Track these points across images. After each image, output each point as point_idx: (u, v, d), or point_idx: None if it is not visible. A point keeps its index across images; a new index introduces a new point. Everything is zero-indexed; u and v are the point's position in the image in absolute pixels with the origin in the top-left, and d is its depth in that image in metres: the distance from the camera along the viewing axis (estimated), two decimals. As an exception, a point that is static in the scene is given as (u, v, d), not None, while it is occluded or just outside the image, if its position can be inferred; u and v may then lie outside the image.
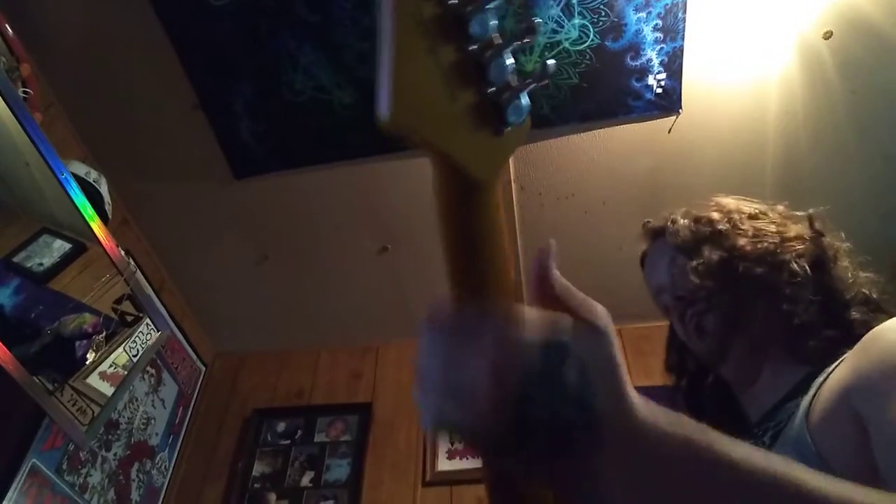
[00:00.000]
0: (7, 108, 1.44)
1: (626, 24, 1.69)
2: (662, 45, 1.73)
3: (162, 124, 1.97)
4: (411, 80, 0.35)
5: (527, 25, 0.39)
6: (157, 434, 2.21)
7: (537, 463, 0.39)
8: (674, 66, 1.76)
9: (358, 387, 2.49)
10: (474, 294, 0.43)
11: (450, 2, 0.37)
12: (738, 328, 0.87)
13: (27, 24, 1.72)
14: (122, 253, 1.82)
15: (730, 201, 0.97)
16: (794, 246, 0.87)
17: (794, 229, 0.90)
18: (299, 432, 2.37)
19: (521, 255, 2.20)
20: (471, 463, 2.18)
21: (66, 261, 1.70)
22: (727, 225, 0.91)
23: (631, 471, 0.38)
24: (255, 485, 2.25)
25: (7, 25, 1.65)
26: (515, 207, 2.11)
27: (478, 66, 0.39)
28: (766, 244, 0.87)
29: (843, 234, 0.93)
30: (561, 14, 1.68)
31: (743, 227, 0.90)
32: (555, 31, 1.71)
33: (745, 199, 0.97)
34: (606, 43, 1.72)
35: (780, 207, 0.97)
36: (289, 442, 2.35)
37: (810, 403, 0.70)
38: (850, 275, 0.87)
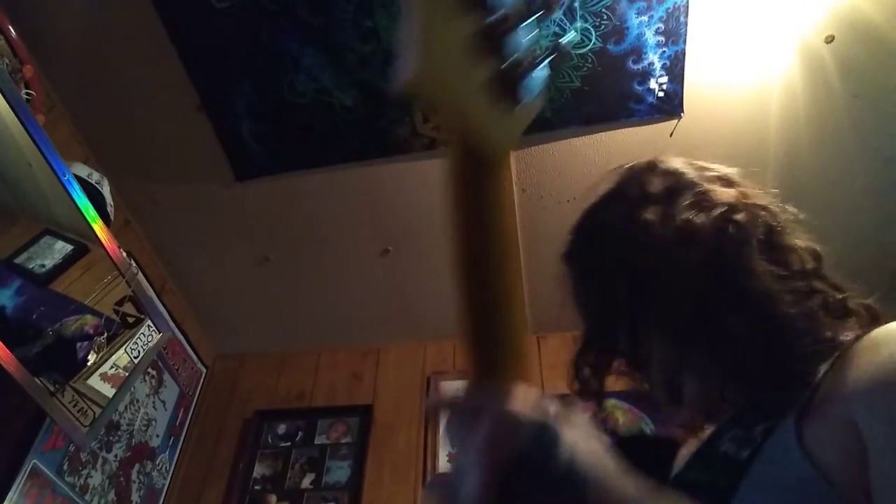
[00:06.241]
0: (10, 110, 1.44)
1: (627, 28, 1.69)
2: (664, 49, 1.73)
3: (164, 126, 1.97)
4: (437, 45, 0.36)
5: (545, 1, 0.39)
6: (157, 435, 2.21)
7: None
8: (676, 69, 1.76)
9: (358, 388, 2.49)
10: (480, 283, 0.43)
11: None
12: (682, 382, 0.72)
13: (30, 26, 1.73)
14: (124, 254, 1.82)
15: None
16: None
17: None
18: (300, 434, 2.37)
19: (523, 258, 2.20)
20: (471, 465, 2.18)
21: (67, 262, 1.70)
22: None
23: None
24: (256, 486, 2.25)
25: (10, 27, 1.66)
26: (517, 210, 2.11)
27: (494, 39, 0.38)
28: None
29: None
30: (563, 17, 1.68)
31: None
32: (556, 35, 1.71)
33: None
34: (608, 46, 1.72)
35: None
36: (289, 444, 2.35)
37: (803, 409, 0.61)
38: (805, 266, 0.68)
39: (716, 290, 0.66)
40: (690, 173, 0.75)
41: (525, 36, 0.39)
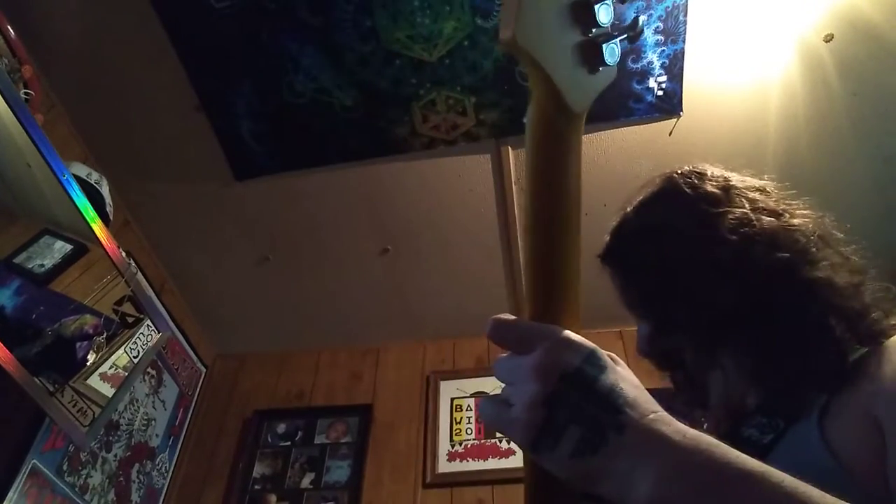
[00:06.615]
0: (9, 110, 1.43)
1: (626, 27, 1.69)
2: (663, 48, 1.73)
3: (163, 126, 1.97)
4: (534, 10, 0.41)
5: None
6: (157, 435, 2.21)
7: (571, 462, 0.43)
8: (675, 68, 1.76)
9: (358, 388, 2.49)
10: (547, 235, 0.48)
11: None
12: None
13: (29, 25, 1.73)
14: (123, 254, 1.82)
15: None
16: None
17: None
18: (300, 434, 2.37)
19: (521, 256, 2.20)
20: (471, 465, 2.18)
21: (67, 262, 1.70)
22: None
23: (655, 475, 0.41)
24: (256, 486, 2.25)
25: (9, 27, 1.65)
26: (516, 209, 2.11)
27: (588, 8, 0.44)
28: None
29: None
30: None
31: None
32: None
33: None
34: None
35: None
36: (289, 443, 2.35)
37: (826, 405, 0.65)
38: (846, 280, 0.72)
39: (773, 289, 0.69)
40: (734, 181, 0.78)
41: (609, 11, 0.45)
